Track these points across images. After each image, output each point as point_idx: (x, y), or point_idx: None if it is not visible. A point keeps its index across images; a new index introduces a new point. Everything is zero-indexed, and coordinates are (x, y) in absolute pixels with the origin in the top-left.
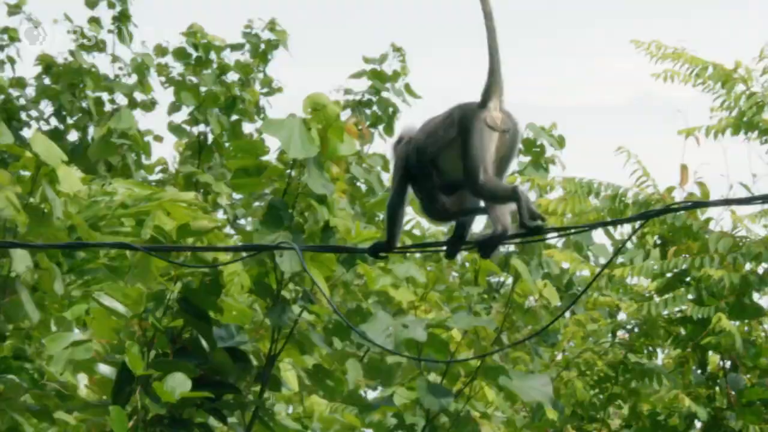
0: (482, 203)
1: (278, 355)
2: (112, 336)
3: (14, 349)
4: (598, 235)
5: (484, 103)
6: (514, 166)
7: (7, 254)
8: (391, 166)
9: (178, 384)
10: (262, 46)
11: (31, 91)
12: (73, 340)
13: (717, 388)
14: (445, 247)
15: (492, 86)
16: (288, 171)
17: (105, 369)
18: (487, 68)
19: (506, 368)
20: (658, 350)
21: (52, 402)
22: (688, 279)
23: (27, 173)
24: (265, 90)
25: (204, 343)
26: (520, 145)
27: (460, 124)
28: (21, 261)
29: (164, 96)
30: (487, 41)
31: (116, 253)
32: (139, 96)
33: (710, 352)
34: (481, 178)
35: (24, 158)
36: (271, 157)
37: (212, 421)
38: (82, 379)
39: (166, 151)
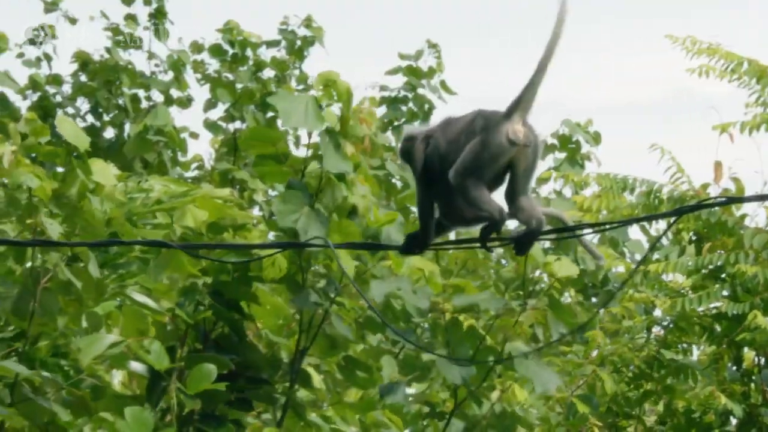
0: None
1: (308, 349)
2: (142, 332)
3: (50, 346)
4: (634, 232)
5: (509, 114)
6: (537, 174)
7: (41, 232)
8: (402, 163)
9: (205, 375)
10: (298, 42)
11: (67, 88)
12: (108, 341)
13: (752, 385)
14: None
15: (524, 98)
16: (307, 154)
17: (137, 366)
18: (528, 80)
19: (526, 354)
20: (693, 347)
21: (87, 398)
22: (723, 275)
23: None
24: (301, 87)
25: (235, 337)
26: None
27: (482, 134)
28: (54, 230)
29: (200, 93)
30: (542, 58)
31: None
32: (175, 93)
33: (745, 349)
34: (469, 181)
35: (54, 149)
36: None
37: (245, 416)
38: (116, 375)
39: (202, 147)
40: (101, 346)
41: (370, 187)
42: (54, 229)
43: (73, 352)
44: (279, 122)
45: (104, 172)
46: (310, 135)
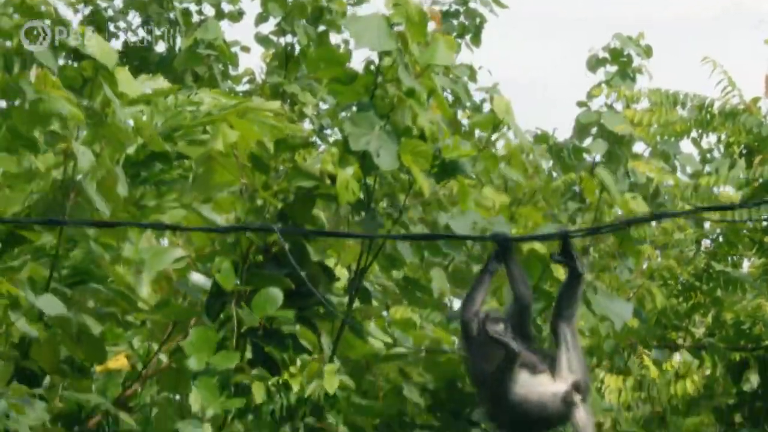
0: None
1: (368, 268)
2: (207, 243)
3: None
4: (685, 145)
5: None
6: None
7: (72, 155)
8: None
9: (271, 299)
10: None
11: (119, 2)
12: (175, 255)
13: None
14: None
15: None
16: (376, 76)
17: (198, 278)
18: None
19: (593, 284)
20: (743, 259)
21: (121, 306)
22: None
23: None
24: (352, 0)
25: (297, 253)
26: None
27: None
28: (85, 158)
29: (251, 7)
30: None
31: (191, 164)
32: (226, 6)
33: None
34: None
35: (82, 64)
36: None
37: (303, 331)
38: (144, 282)
39: (254, 62)
40: (167, 260)
41: (443, 112)
42: (86, 157)
43: (108, 266)
44: (331, 37)
45: (129, 82)
46: (380, 56)
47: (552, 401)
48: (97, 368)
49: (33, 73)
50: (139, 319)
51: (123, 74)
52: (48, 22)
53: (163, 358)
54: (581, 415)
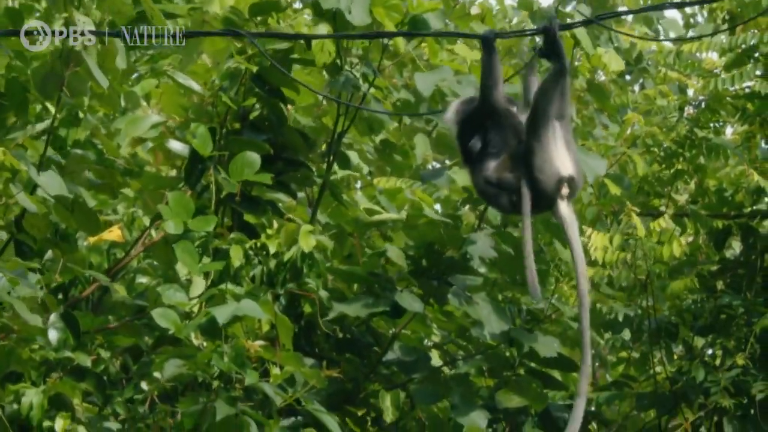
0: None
1: (345, 132)
2: (181, 112)
3: (89, 127)
4: (669, 10)
5: None
6: None
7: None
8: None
9: (248, 163)
10: None
11: None
12: (150, 122)
13: None
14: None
15: None
16: None
17: (176, 145)
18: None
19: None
20: (726, 126)
21: (116, 178)
22: (756, 54)
23: None
24: None
25: (274, 118)
26: None
27: None
28: (85, 29)
29: None
30: None
31: (182, 26)
32: None
33: None
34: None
35: None
36: None
37: (282, 197)
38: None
39: None
40: (143, 126)
41: None
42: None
43: (100, 136)
44: None
45: None
46: None
47: (552, 177)
48: (91, 239)
49: None
50: (134, 190)
51: None
52: None
53: (154, 233)
54: (568, 210)
